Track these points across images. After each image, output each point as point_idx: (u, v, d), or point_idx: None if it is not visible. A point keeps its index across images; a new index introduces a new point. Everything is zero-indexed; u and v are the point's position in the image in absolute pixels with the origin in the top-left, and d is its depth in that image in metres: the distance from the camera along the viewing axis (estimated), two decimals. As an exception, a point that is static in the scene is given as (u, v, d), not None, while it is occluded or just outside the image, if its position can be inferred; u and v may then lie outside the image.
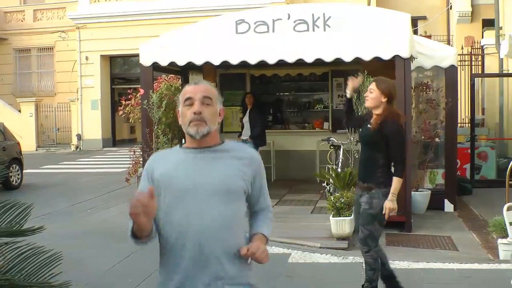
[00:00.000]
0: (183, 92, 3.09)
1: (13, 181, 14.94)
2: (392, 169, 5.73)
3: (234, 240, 2.99)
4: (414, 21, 21.73)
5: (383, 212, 5.62)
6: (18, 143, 15.97)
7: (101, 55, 27.37)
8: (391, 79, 9.43)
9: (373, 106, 5.77)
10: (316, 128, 14.97)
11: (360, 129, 6.12)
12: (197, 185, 2.95)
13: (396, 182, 5.58)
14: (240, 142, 12.38)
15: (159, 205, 2.90)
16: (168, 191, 2.98)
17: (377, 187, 5.69)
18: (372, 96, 5.75)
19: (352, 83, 6.26)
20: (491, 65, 18.00)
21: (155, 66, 10.83)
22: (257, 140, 12.50)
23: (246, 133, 12.63)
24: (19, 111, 28.25)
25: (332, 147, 11.95)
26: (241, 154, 3.12)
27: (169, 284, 2.98)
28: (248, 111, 12.66)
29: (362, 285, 5.95)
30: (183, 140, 3.21)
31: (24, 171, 15.75)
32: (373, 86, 5.79)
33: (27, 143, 25.35)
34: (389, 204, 5.57)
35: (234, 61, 10.14)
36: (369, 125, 5.83)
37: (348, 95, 6.36)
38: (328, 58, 9.67)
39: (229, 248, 2.96)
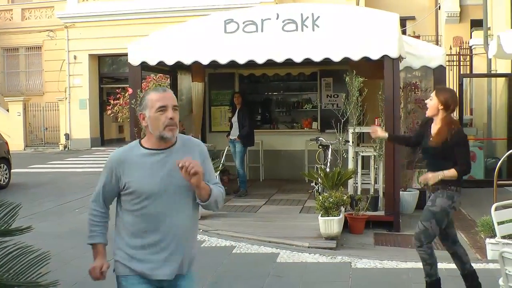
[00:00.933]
0: (152, 98, 3.58)
1: (0, 180, 14.83)
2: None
3: (191, 227, 3.71)
4: (403, 21, 21.81)
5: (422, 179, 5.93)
6: (6, 143, 15.85)
7: (89, 54, 27.19)
8: (379, 78, 9.68)
9: (431, 114, 5.99)
10: (305, 128, 14.99)
11: (423, 143, 6.22)
12: (163, 187, 3.53)
13: (452, 171, 5.75)
14: (229, 140, 12.51)
15: (131, 203, 3.59)
16: (138, 193, 3.54)
17: (442, 188, 5.88)
18: (431, 103, 5.96)
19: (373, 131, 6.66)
20: (479, 66, 18.07)
21: (144, 66, 10.79)
22: (246, 139, 12.51)
23: (235, 132, 12.61)
24: (7, 110, 28.10)
25: (320, 146, 11.95)
26: (191, 146, 3.72)
27: (136, 256, 3.60)
28: (237, 110, 12.63)
29: (426, 281, 6.11)
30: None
31: (12, 170, 15.61)
32: (433, 94, 6.02)
33: (15, 142, 25.11)
34: (430, 175, 5.81)
35: (223, 60, 10.15)
36: (430, 138, 5.99)
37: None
38: (317, 58, 9.69)
39: (189, 233, 3.69)
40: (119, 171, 3.57)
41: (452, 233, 6.19)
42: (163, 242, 3.56)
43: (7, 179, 15.18)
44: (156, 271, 3.56)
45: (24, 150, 27.24)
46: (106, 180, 3.64)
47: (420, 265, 7.27)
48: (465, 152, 5.89)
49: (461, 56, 18.26)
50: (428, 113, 6.03)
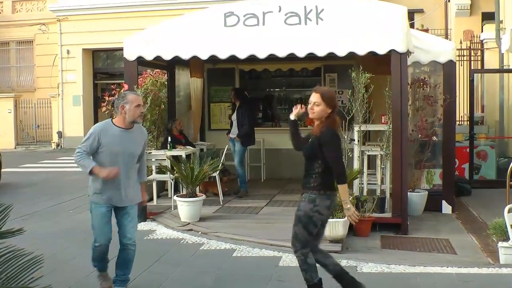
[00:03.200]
0: (132, 98, 6.03)
1: (-10, 180, 14.69)
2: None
3: (132, 177, 6.23)
4: (411, 15, 21.52)
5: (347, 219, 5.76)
6: (-4, 141, 15.69)
7: (83, 49, 27.06)
8: (386, 74, 9.49)
9: (318, 118, 5.76)
10: (308, 126, 14.62)
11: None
12: (122, 151, 6.03)
13: (341, 189, 5.65)
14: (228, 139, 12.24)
15: (103, 156, 6.02)
16: (109, 151, 6.00)
17: (305, 192, 5.81)
18: (318, 109, 5.72)
19: (297, 110, 6.13)
20: (491, 60, 17.97)
21: (140, 61, 10.65)
22: (245, 139, 12.30)
23: (234, 131, 12.41)
24: (-3, 107, 27.92)
25: (324, 145, 11.69)
26: (140, 131, 6.28)
27: (104, 192, 6.07)
28: (236, 108, 12.37)
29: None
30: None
31: (2, 170, 15.52)
32: (317, 99, 5.74)
33: (6, 140, 25.56)
34: (346, 212, 5.69)
35: (223, 55, 9.99)
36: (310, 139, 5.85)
37: (292, 118, 6.21)
38: (321, 52, 9.52)
39: (133, 181, 6.24)
40: (100, 136, 5.98)
41: (315, 243, 5.99)
42: (115, 183, 5.98)
43: (-3, 179, 15.03)
44: (112, 199, 6.09)
45: (15, 148, 27.26)
46: (92, 141, 5.98)
47: (429, 269, 7.48)
48: (332, 154, 5.64)
49: (472, 51, 17.97)
50: (313, 116, 5.79)
